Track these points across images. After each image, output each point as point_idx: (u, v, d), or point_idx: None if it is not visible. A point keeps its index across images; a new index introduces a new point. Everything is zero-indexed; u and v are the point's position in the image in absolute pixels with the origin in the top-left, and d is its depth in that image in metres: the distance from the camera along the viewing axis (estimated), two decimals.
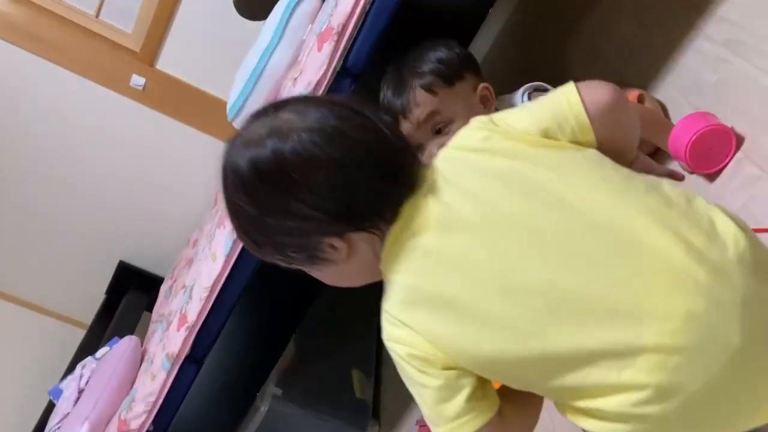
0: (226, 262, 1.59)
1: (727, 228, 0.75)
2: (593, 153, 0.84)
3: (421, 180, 0.84)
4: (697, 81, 1.40)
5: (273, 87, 1.91)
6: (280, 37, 1.92)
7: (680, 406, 0.70)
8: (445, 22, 1.45)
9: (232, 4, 2.31)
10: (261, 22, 2.10)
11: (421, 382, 0.80)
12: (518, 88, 1.41)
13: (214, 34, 2.59)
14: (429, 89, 1.29)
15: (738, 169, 1.21)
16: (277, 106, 0.85)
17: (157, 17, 2.60)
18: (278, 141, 0.80)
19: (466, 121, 1.27)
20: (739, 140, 1.22)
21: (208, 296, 1.65)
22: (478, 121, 0.89)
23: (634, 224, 0.74)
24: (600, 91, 0.86)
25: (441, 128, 1.30)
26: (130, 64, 2.67)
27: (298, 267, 0.89)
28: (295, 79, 1.57)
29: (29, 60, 2.63)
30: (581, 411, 0.76)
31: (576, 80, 0.88)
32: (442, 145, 1.27)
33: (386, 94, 1.33)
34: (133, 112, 2.73)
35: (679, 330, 0.69)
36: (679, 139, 1.26)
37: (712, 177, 1.25)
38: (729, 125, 1.25)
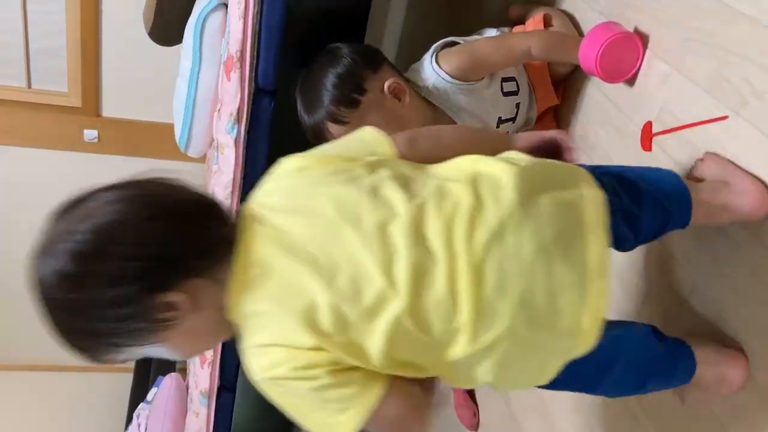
0: None
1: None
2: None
3: (238, 218, 0.86)
4: None
5: (211, 109, 1.93)
6: (200, 60, 1.92)
7: None
8: (337, 5, 1.43)
9: (147, 35, 2.30)
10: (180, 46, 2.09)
11: (309, 387, 0.80)
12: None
13: (142, 67, 2.59)
14: (338, 121, 1.29)
15: (650, 68, 1.22)
16: (63, 211, 0.83)
17: (85, 69, 2.60)
18: (86, 222, 0.80)
19: (389, 125, 1.30)
20: (645, 41, 1.23)
21: None
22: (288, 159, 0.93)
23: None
24: None
25: None
26: (78, 121, 2.69)
27: (147, 354, 0.86)
28: (218, 110, 1.58)
29: None
30: None
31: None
32: None
33: (307, 135, 1.35)
34: (98, 165, 2.76)
35: None
36: (587, 57, 1.27)
37: (631, 82, 1.26)
38: (632, 29, 1.25)
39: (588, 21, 1.41)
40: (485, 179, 0.83)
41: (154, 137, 2.74)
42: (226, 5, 1.78)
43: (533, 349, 0.82)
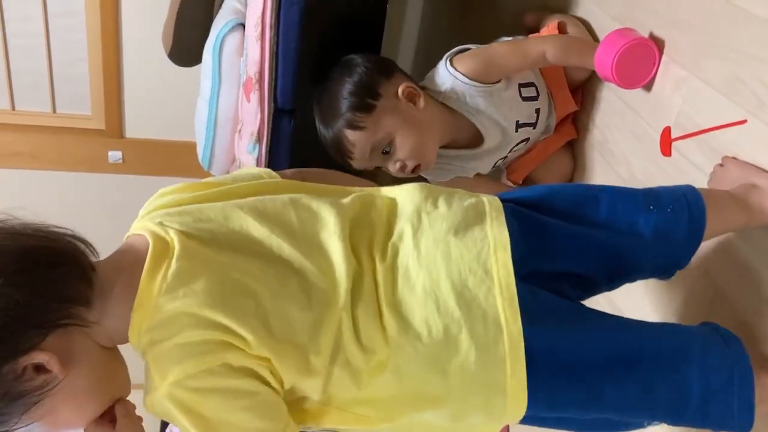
0: None
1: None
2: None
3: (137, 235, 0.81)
4: None
5: (231, 128, 1.96)
6: (219, 80, 1.95)
7: None
8: (351, 24, 1.45)
9: (167, 57, 2.34)
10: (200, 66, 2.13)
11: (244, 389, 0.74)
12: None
13: (163, 87, 2.63)
14: (355, 127, 1.31)
15: (666, 72, 1.22)
16: None
17: (108, 92, 2.64)
18: None
19: (406, 130, 1.31)
20: (660, 45, 1.23)
21: None
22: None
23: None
24: None
25: (387, 150, 1.33)
26: (102, 143, 2.74)
27: None
28: (239, 131, 1.61)
29: (9, 176, 2.72)
30: None
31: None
32: (402, 165, 1.33)
33: (328, 148, 1.37)
34: (123, 186, 2.81)
35: None
36: (603, 64, 1.27)
37: (648, 87, 1.26)
38: (647, 34, 1.25)
39: (603, 27, 1.41)
40: (389, 199, 0.90)
41: (177, 156, 2.77)
42: (243, 25, 1.81)
43: (455, 346, 0.78)
